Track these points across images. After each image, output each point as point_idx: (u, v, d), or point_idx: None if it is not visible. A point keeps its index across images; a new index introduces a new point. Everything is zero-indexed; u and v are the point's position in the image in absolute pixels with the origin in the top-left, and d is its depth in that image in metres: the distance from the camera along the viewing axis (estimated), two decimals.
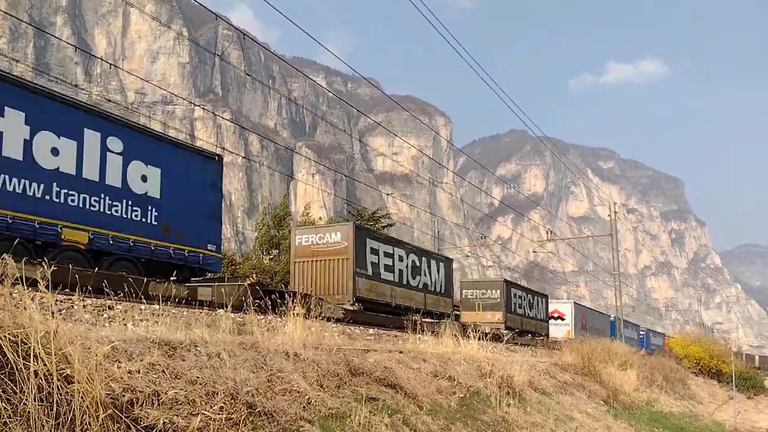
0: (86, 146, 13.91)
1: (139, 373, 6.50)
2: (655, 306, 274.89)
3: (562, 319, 48.09)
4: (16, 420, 5.03)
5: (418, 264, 26.23)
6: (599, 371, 23.52)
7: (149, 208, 15.28)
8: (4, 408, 5.00)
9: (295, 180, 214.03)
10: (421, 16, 23.05)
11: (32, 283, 6.79)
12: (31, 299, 6.26)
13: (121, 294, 10.37)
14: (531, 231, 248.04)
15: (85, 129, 13.97)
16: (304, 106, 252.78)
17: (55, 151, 13.29)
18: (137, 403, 6.09)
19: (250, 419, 7.17)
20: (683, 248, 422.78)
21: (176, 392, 6.58)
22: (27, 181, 12.69)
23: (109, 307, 10.90)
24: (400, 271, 24.89)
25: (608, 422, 17.76)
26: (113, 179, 14.44)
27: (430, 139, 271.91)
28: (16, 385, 5.12)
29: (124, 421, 5.79)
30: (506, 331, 30.91)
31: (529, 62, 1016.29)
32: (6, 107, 12.51)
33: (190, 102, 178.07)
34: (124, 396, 5.98)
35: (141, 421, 5.98)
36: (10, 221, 12.26)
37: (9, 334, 5.28)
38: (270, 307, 12.69)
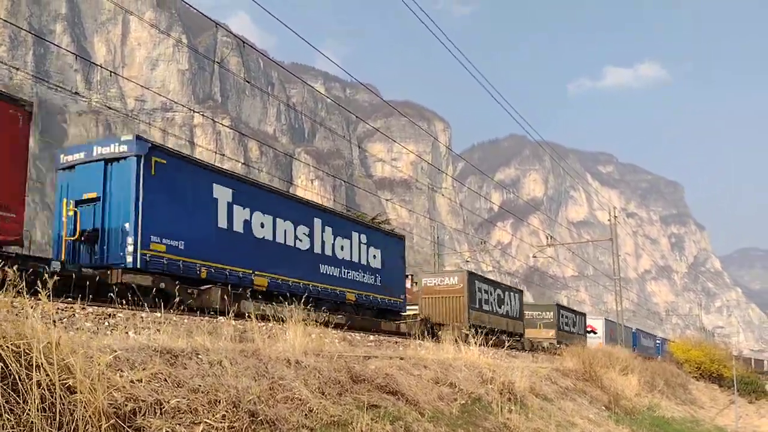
0: (353, 242, 22.29)
1: (141, 382, 6.50)
2: (655, 310, 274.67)
3: (594, 333, 52.86)
4: (20, 430, 5.03)
5: (502, 296, 34.46)
6: (600, 376, 23.51)
7: (376, 275, 23.30)
8: (8, 418, 5.00)
9: (295, 186, 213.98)
10: (419, 21, 23.17)
11: (34, 293, 6.80)
12: (33, 309, 6.27)
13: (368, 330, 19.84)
14: (531, 236, 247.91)
15: (353, 232, 22.43)
16: (303, 112, 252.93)
17: (342, 247, 21.53)
18: (140, 412, 6.09)
19: (252, 427, 7.17)
20: (683, 252, 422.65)
21: (178, 401, 6.58)
22: (331, 267, 20.95)
23: (111, 316, 10.90)
24: (492, 302, 33.16)
25: (610, 428, 17.74)
26: (363, 260, 22.61)
27: (429, 145, 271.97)
28: (19, 396, 5.12)
29: (127, 431, 5.79)
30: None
31: (527, 67, 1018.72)
32: (352, 232, 22.60)
33: (190, 109, 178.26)
34: (126, 405, 5.98)
35: (143, 430, 5.98)
36: (329, 290, 20.44)
37: (11, 344, 5.29)
38: (430, 332, 21.14)
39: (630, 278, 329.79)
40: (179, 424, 6.35)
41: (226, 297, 14.69)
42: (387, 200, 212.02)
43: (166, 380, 6.87)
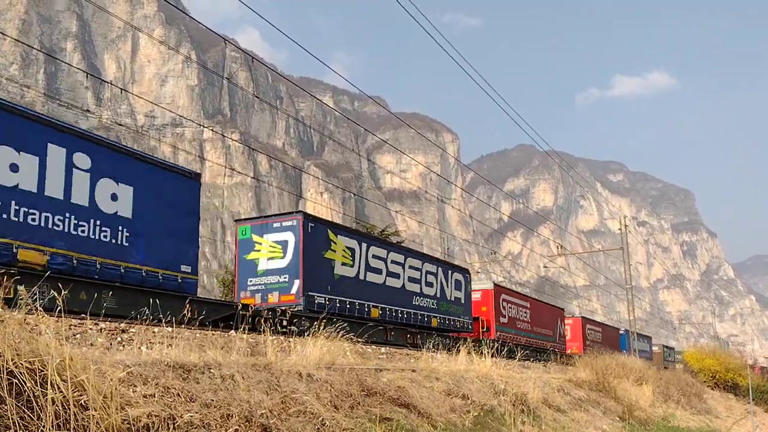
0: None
1: (154, 397, 6.52)
2: (668, 319, 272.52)
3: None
4: None
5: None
6: (614, 387, 23.31)
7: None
8: None
9: (304, 199, 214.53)
10: (427, 34, 23.34)
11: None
12: (46, 326, 6.31)
13: None
14: (541, 245, 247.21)
15: (439, 269, 27.57)
16: (312, 125, 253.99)
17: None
18: (153, 427, 6.10)
19: None
20: (695, 260, 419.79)
21: (191, 416, 6.59)
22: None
23: (123, 331, 10.95)
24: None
25: None
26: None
27: (438, 156, 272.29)
28: (33, 413, 5.15)
29: None
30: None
31: (535, 78, 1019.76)
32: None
33: (199, 124, 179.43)
34: (139, 421, 5.99)
35: None
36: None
37: (26, 361, 5.32)
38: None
39: (642, 287, 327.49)
40: None
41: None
42: (396, 212, 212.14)
43: (178, 395, 6.88)
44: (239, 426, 6.95)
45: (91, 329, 10.45)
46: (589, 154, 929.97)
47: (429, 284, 26.05)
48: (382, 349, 18.01)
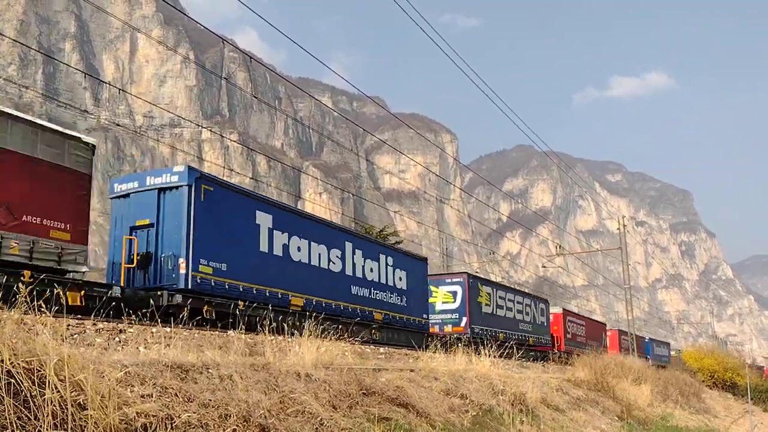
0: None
1: (152, 397, 6.51)
2: (667, 319, 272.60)
3: None
4: None
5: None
6: (612, 387, 23.31)
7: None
8: None
9: (303, 199, 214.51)
10: (425, 34, 23.40)
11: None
12: (43, 325, 6.30)
13: None
14: (540, 246, 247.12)
15: (380, 254, 24.23)
16: (311, 126, 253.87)
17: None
18: (151, 427, 6.09)
19: None
20: (694, 260, 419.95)
21: (189, 416, 6.58)
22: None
23: (121, 331, 10.93)
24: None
25: None
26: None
27: (437, 156, 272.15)
28: (31, 413, 5.14)
29: None
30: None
31: (533, 78, 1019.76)
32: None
33: (198, 124, 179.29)
34: (137, 421, 5.98)
35: None
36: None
37: (23, 361, 5.31)
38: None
39: (640, 287, 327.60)
40: None
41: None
42: (395, 212, 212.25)
43: (176, 395, 6.87)
44: (237, 426, 6.94)
45: (89, 330, 10.43)
46: (587, 154, 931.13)
47: (527, 314, 36.58)
48: (381, 349, 18.03)
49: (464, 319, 29.15)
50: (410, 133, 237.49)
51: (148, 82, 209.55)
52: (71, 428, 5.30)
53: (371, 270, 22.80)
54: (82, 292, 12.91)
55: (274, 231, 18.03)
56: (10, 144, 12.46)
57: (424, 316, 26.06)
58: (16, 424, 5.04)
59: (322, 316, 14.23)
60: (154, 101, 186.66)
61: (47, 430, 5.12)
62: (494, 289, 32.77)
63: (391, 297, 23.81)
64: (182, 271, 14.92)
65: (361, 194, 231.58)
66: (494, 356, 16.66)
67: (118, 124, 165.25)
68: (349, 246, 21.69)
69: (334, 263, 20.64)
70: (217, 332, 12.81)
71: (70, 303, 11.57)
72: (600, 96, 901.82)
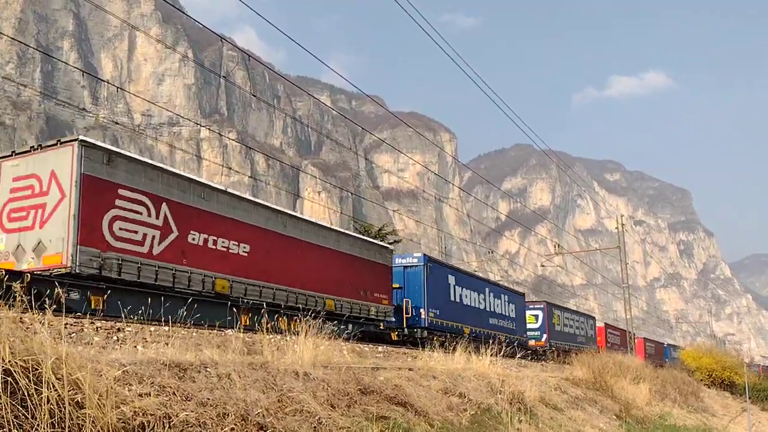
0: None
1: (149, 396, 6.49)
2: (665, 318, 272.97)
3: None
4: None
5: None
6: (611, 385, 23.32)
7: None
8: None
9: (302, 198, 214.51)
10: (425, 33, 23.56)
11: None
12: (41, 324, 6.29)
13: None
14: (538, 245, 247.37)
15: (502, 294, 35.51)
16: (309, 124, 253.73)
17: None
18: (148, 426, 6.08)
19: None
20: (692, 259, 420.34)
21: (187, 414, 6.57)
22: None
23: (119, 330, 10.92)
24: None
25: None
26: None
27: (436, 155, 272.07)
28: (28, 411, 5.13)
29: None
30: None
31: (532, 77, 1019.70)
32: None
33: (196, 123, 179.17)
34: (135, 420, 5.97)
35: None
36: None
37: (20, 360, 5.30)
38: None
39: (639, 286, 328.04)
40: None
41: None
42: (394, 211, 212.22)
43: (174, 394, 6.86)
44: (235, 425, 6.93)
45: (86, 328, 10.42)
46: (586, 153, 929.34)
47: (582, 329, 48.13)
48: (379, 348, 18.03)
49: (544, 336, 40.79)
50: (409, 132, 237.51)
51: (147, 80, 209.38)
52: (69, 427, 5.29)
53: (497, 306, 33.68)
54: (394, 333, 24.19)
55: (456, 286, 28.89)
56: (366, 256, 22.90)
57: (525, 335, 37.47)
58: (13, 422, 5.03)
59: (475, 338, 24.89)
60: (152, 100, 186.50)
61: (44, 428, 5.11)
62: (562, 312, 45.26)
63: (507, 323, 34.64)
64: (423, 316, 25.25)
65: (360, 193, 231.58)
66: (494, 356, 16.85)
67: (116, 123, 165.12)
68: (487, 290, 32.71)
69: (480, 303, 31.45)
70: (215, 331, 12.80)
71: (393, 339, 23.61)
72: (599, 95, 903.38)
